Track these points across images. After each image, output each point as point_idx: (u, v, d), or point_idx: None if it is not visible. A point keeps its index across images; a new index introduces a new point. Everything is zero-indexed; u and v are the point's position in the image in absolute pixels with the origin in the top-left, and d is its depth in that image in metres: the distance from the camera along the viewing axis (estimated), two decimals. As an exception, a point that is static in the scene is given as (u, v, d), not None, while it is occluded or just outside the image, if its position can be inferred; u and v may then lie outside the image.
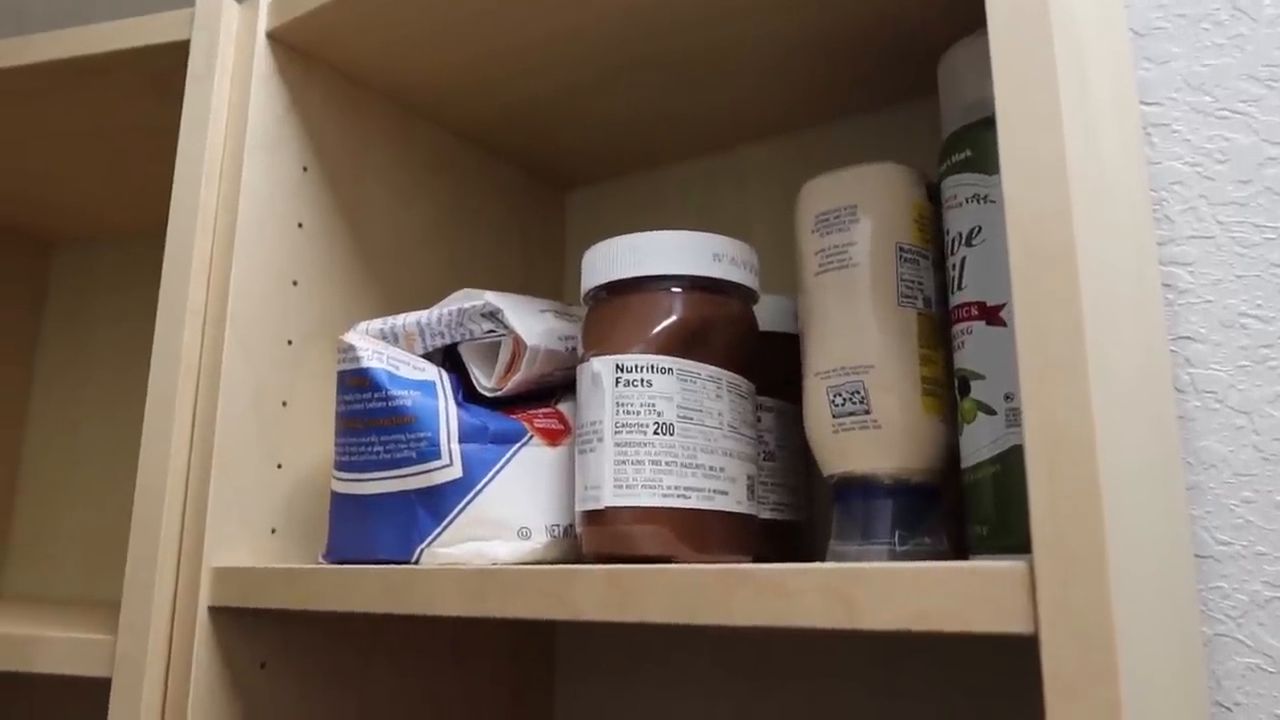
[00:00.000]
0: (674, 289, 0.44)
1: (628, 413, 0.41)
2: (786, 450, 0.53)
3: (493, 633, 0.62)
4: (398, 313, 0.59)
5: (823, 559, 0.57)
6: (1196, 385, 0.52)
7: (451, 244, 0.63)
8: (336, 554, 0.48)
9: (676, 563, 0.41)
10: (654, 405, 0.41)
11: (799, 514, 0.54)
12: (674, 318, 0.43)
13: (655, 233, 0.44)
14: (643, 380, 0.42)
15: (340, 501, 0.47)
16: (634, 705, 0.64)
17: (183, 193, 0.50)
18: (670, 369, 0.42)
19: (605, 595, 0.34)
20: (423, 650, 0.57)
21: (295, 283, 0.52)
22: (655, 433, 0.41)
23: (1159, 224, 0.54)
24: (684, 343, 0.43)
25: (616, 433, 0.41)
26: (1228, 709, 0.49)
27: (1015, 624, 0.27)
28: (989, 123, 0.43)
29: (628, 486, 0.41)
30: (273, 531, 0.49)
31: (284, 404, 0.51)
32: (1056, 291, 0.28)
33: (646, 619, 0.33)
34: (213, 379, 0.48)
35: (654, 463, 0.41)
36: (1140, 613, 0.30)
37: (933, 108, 0.60)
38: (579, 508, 0.42)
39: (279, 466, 0.50)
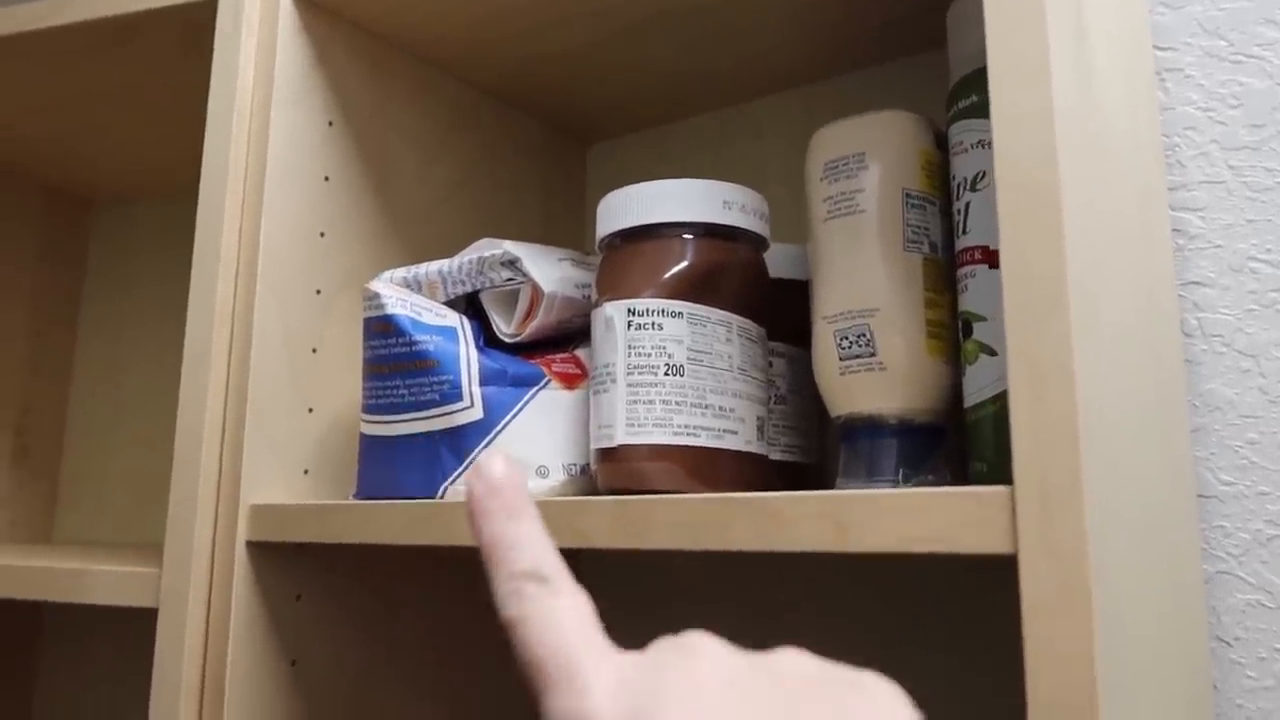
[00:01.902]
0: (685, 235, 0.45)
1: (639, 355, 0.43)
2: (799, 395, 0.55)
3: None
4: (421, 262, 0.60)
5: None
6: (1204, 329, 0.53)
7: (474, 197, 0.65)
8: (366, 493, 0.50)
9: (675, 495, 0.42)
10: (665, 348, 0.43)
11: (810, 456, 0.55)
12: (685, 263, 0.45)
13: (666, 181, 0.45)
14: (654, 324, 0.43)
15: (368, 443, 0.50)
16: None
17: (213, 148, 0.52)
18: (681, 313, 0.44)
19: (613, 524, 0.36)
20: (448, 585, 0.59)
21: (323, 234, 0.54)
22: (666, 374, 0.43)
23: (1171, 170, 0.55)
24: (695, 287, 0.45)
25: (629, 374, 0.43)
26: (1228, 643, 0.50)
27: (997, 545, 0.28)
28: (995, 69, 0.44)
29: (639, 425, 0.42)
30: (305, 472, 0.52)
31: (314, 351, 0.53)
32: (1040, 234, 0.29)
33: (651, 545, 0.35)
34: (245, 328, 0.50)
35: (665, 402, 0.43)
36: (1123, 541, 0.32)
37: (945, 58, 0.60)
38: (593, 445, 0.44)
39: (310, 410, 0.52)
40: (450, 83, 0.64)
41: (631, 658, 0.22)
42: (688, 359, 0.43)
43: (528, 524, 0.25)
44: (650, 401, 0.43)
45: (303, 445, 0.52)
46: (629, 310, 0.44)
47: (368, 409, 0.49)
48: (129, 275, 0.94)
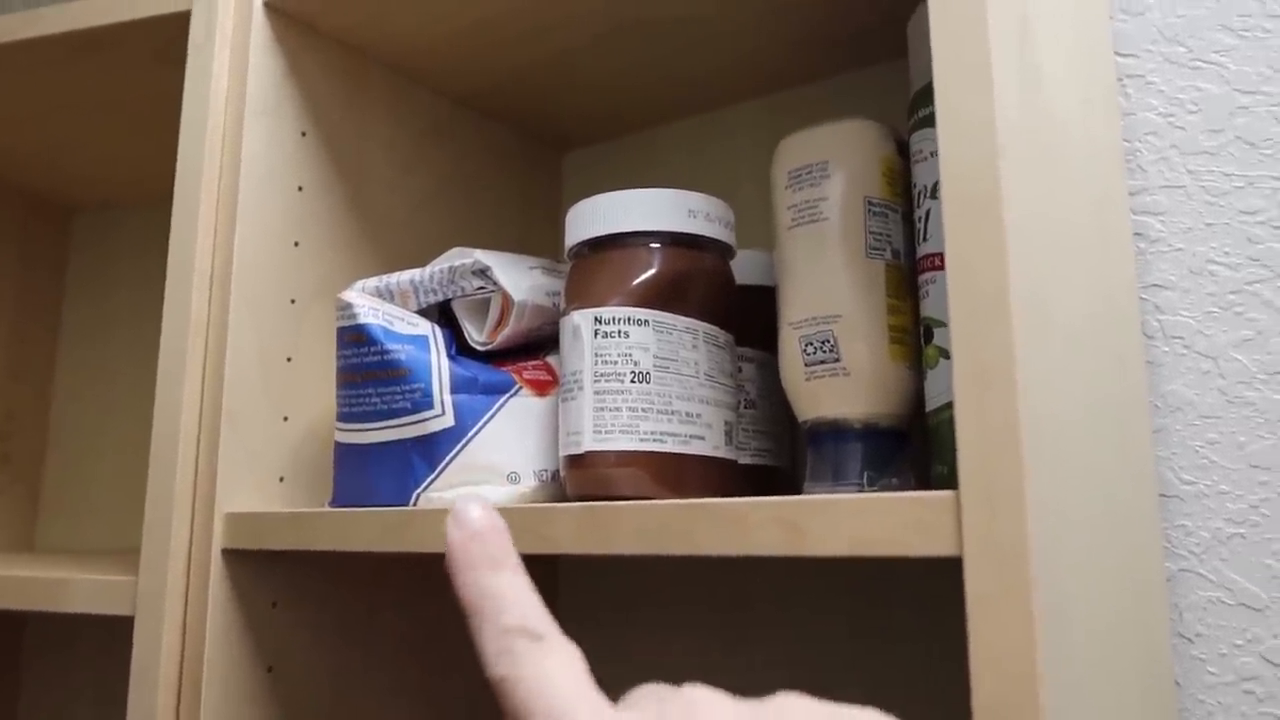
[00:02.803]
0: (652, 244, 0.46)
1: (606, 362, 0.44)
2: (768, 399, 0.56)
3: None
4: (394, 272, 0.61)
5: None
6: (1165, 331, 0.54)
7: (450, 207, 0.66)
8: (341, 500, 0.51)
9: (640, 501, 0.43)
10: (631, 355, 0.44)
11: (781, 459, 0.56)
12: (651, 271, 0.45)
13: (633, 190, 0.46)
14: (620, 331, 0.44)
15: (343, 451, 0.50)
16: (633, 645, 0.67)
17: (187, 158, 0.52)
18: (647, 320, 0.44)
19: (580, 530, 0.37)
20: (424, 594, 0.60)
21: (296, 244, 0.55)
22: (632, 381, 0.44)
23: (1132, 174, 0.56)
24: (661, 296, 0.45)
25: (596, 381, 0.44)
26: (1189, 639, 0.51)
27: (943, 547, 0.29)
28: (954, 79, 0.45)
29: (606, 432, 0.43)
30: (281, 480, 0.52)
31: (288, 360, 0.53)
32: (982, 242, 0.30)
33: (618, 551, 0.36)
34: (220, 337, 0.51)
35: (631, 409, 0.43)
36: (1076, 542, 0.33)
37: (903, 66, 0.61)
38: (562, 452, 0.45)
39: (285, 419, 0.53)
40: (424, 93, 0.65)
41: (631, 716, 0.21)
42: (654, 366, 0.44)
43: (510, 574, 0.23)
44: (617, 409, 0.43)
45: (278, 453, 0.52)
46: (595, 319, 0.44)
47: (342, 417, 0.50)
48: (110, 281, 0.94)
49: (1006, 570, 0.28)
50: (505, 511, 0.39)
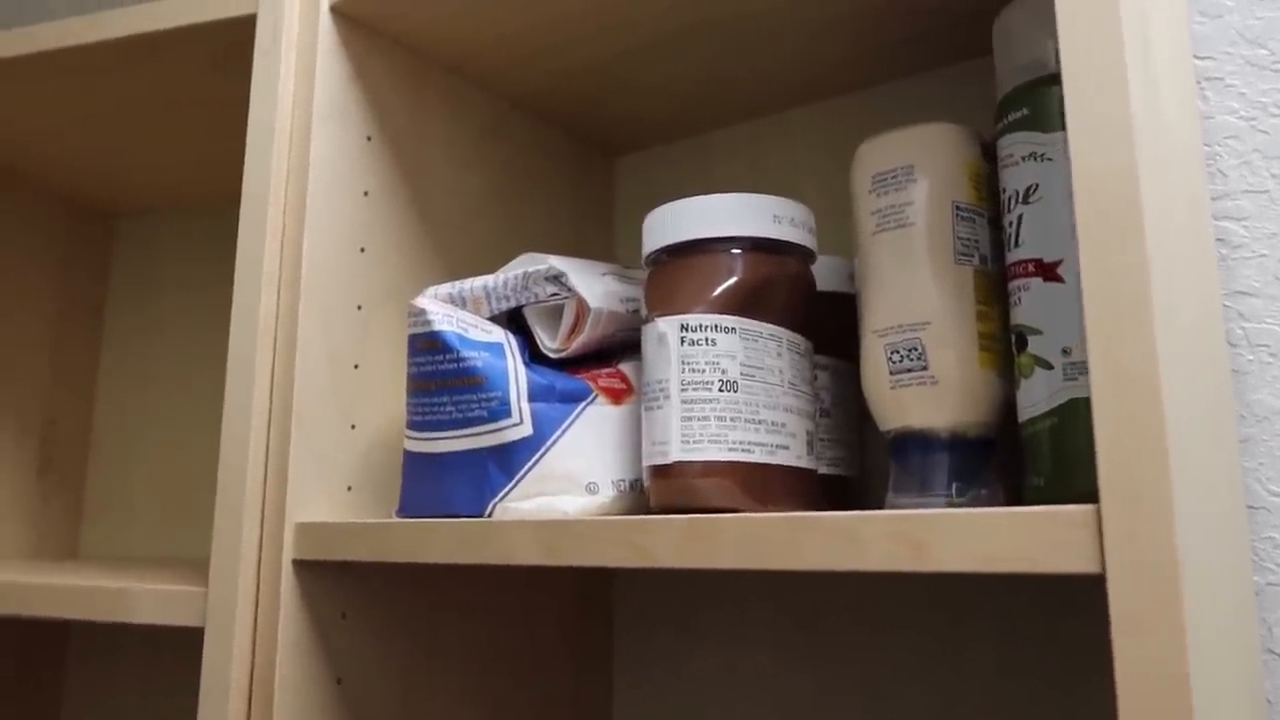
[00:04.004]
0: (734, 250, 0.45)
1: (693, 371, 0.43)
2: (841, 407, 0.55)
3: (555, 586, 0.64)
4: (457, 276, 0.60)
5: (876, 513, 0.59)
6: (1250, 339, 0.52)
7: (507, 209, 0.65)
8: (410, 510, 0.50)
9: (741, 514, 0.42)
10: (718, 363, 0.43)
11: (852, 469, 0.55)
12: (735, 278, 0.44)
13: (715, 195, 0.45)
14: (707, 339, 0.43)
15: (413, 460, 0.49)
16: (692, 656, 0.66)
17: (255, 162, 0.51)
18: (733, 328, 0.43)
19: (680, 543, 0.36)
20: (493, 603, 0.59)
21: (363, 249, 0.54)
22: (720, 390, 0.43)
23: (1212, 179, 0.55)
24: (745, 302, 0.44)
25: (683, 390, 0.43)
26: (1279, 655, 0.50)
27: (1083, 563, 0.28)
28: (1046, 81, 0.44)
29: (694, 442, 0.42)
30: (349, 489, 0.52)
31: (355, 366, 0.53)
32: (1122, 245, 0.29)
33: (720, 565, 0.35)
34: (289, 343, 0.50)
35: (719, 419, 0.42)
36: (1202, 556, 0.32)
37: (978, 69, 0.60)
38: (646, 462, 0.44)
39: (353, 427, 0.52)
40: (482, 95, 0.64)
41: None
42: (741, 374, 0.43)
43: None
44: (705, 418, 0.42)
45: (346, 462, 0.52)
46: (682, 326, 0.43)
47: (413, 425, 0.49)
48: (152, 286, 0.94)
49: (1155, 588, 0.27)
50: (597, 522, 0.38)
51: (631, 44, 0.60)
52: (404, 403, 0.55)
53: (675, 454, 0.42)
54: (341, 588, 0.50)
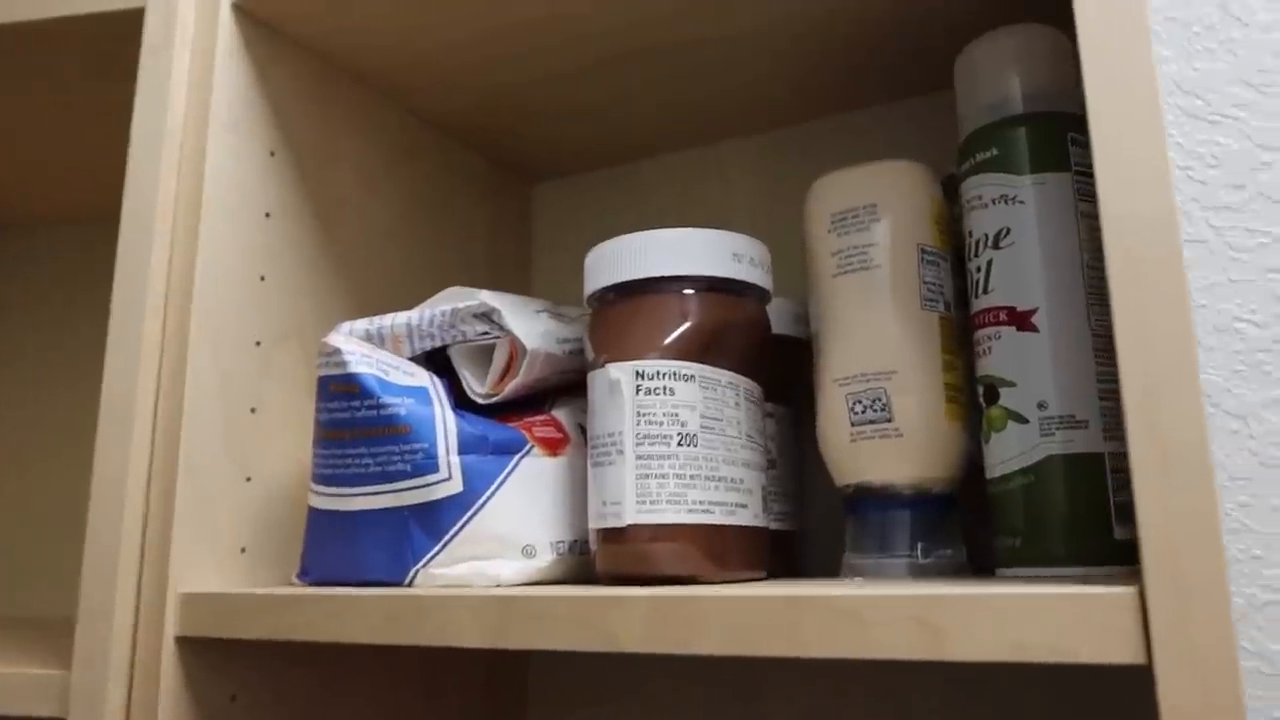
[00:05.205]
0: (687, 290, 0.41)
1: (649, 423, 0.39)
2: (785, 457, 0.51)
3: (466, 663, 0.58)
4: (366, 309, 0.55)
5: (820, 569, 0.56)
6: (1192, 390, 0.52)
7: (419, 236, 0.60)
8: (315, 575, 0.44)
9: (699, 582, 0.38)
10: (677, 414, 0.39)
11: (796, 523, 0.52)
12: (693, 321, 0.41)
13: (671, 230, 0.41)
14: (665, 388, 0.39)
15: (320, 518, 0.43)
16: (612, 721, 0.61)
17: (140, 175, 0.45)
18: (692, 375, 0.39)
19: (653, 624, 0.31)
20: (393, 680, 0.53)
21: (263, 277, 0.48)
22: (679, 444, 0.39)
23: (1153, 227, 0.54)
24: (702, 347, 0.41)
25: (638, 444, 0.38)
26: None
27: (1126, 654, 0.25)
28: (1015, 121, 0.42)
29: (651, 502, 0.38)
30: (242, 551, 0.45)
31: (252, 410, 0.46)
32: (1162, 304, 0.26)
33: (701, 651, 0.30)
34: (176, 381, 0.43)
35: (678, 476, 0.38)
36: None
37: (923, 105, 0.58)
38: (596, 525, 0.39)
39: (248, 479, 0.46)
40: (395, 112, 0.59)
41: None
42: (700, 427, 0.39)
43: None
44: (663, 475, 0.38)
45: (240, 519, 0.45)
46: (637, 373, 0.39)
47: (321, 479, 0.43)
48: (16, 309, 0.83)
49: (1211, 680, 0.24)
50: (554, 598, 0.33)
51: (564, 66, 0.56)
52: (309, 452, 0.49)
53: (630, 516, 0.38)
54: (231, 667, 0.44)
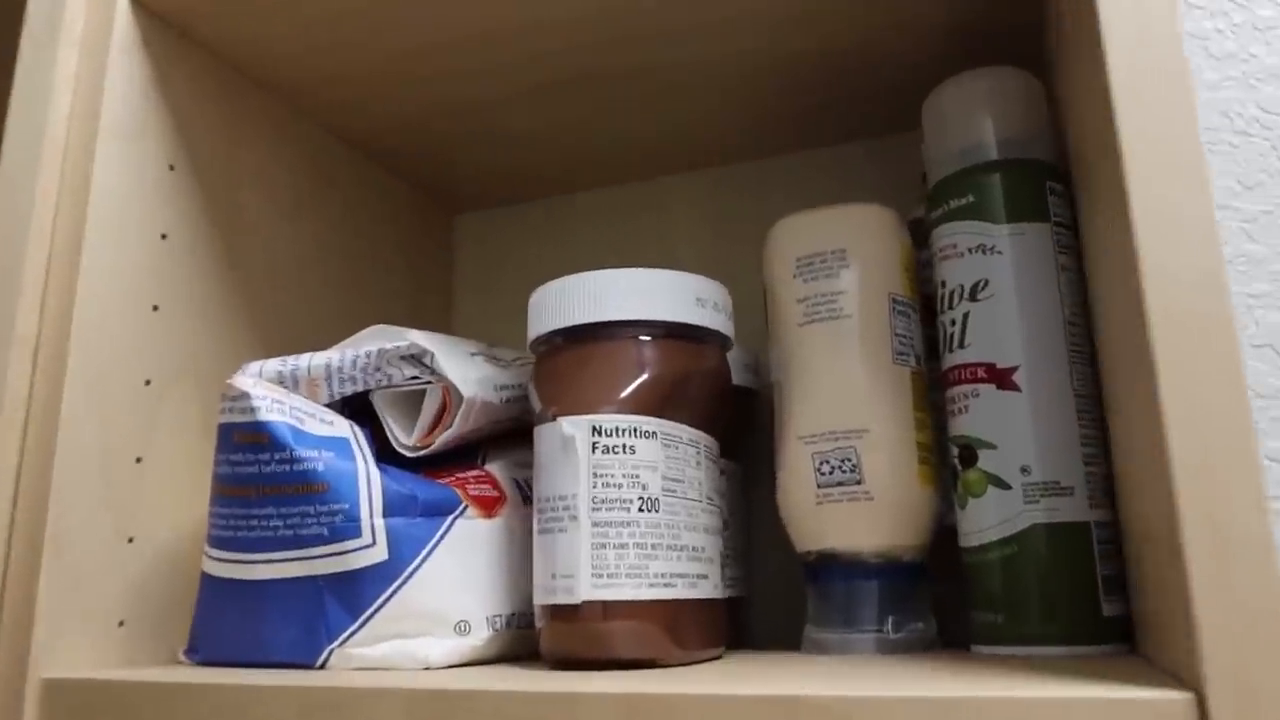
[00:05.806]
0: (643, 336, 0.37)
1: (608, 485, 0.34)
2: (735, 516, 0.48)
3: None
4: (273, 346, 0.49)
5: (769, 638, 0.52)
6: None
7: (335, 266, 0.54)
8: (205, 652, 0.38)
9: (658, 665, 0.34)
10: (638, 476, 0.35)
11: (744, 588, 0.48)
12: (650, 371, 0.37)
13: (626, 271, 0.37)
14: (625, 446, 0.35)
15: (215, 586, 0.38)
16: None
17: (12, 187, 0.39)
18: (654, 432, 0.35)
19: (625, 729, 0.27)
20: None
21: (156, 307, 0.42)
22: (640, 509, 0.34)
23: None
24: (661, 400, 0.37)
25: (594, 509, 0.34)
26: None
27: (1183, 774, 0.22)
28: (990, 168, 0.40)
29: (609, 576, 0.34)
30: (120, 624, 0.39)
31: (138, 460, 0.40)
32: (1215, 372, 0.24)
33: (681, 760, 0.26)
34: (47, 426, 0.37)
35: (639, 546, 0.34)
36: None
37: (874, 146, 0.56)
38: (544, 600, 0.35)
39: (130, 540, 0.40)
40: (310, 130, 0.53)
41: None
42: (663, 490, 0.35)
43: None
44: (622, 545, 0.34)
45: (118, 587, 0.39)
46: (594, 429, 0.35)
47: (218, 542, 0.37)
48: None
49: (1283, 810, 0.21)
50: (510, 697, 0.28)
51: (495, 91, 0.51)
52: (203, 508, 0.43)
53: (585, 592, 0.34)
54: (103, 762, 0.37)
